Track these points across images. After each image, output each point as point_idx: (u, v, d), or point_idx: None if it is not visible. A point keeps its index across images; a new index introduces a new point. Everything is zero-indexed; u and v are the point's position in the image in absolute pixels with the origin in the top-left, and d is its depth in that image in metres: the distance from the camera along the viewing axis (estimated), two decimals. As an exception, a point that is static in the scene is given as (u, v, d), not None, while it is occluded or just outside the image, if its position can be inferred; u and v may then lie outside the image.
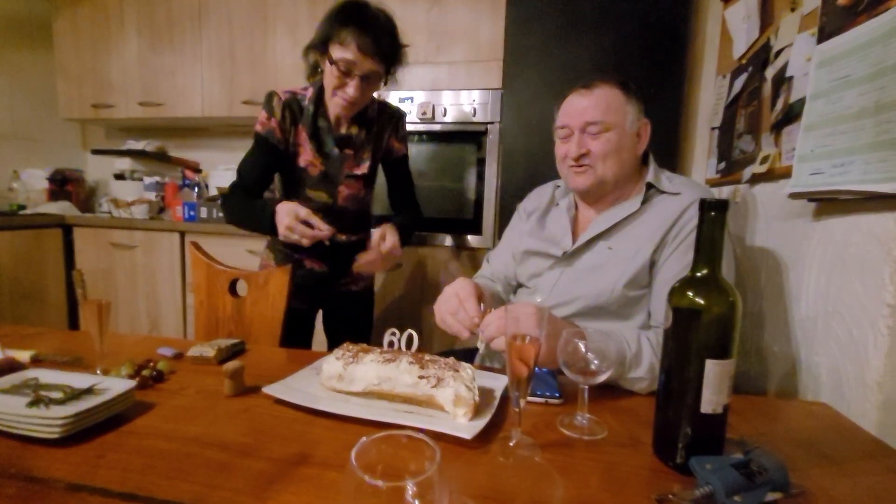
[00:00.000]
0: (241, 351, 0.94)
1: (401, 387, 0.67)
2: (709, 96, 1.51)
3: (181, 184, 2.52)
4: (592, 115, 0.93)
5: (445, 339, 1.95)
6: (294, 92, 1.21)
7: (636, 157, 0.98)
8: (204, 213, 2.20)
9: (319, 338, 1.46)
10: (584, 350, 0.64)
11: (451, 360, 0.71)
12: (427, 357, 0.71)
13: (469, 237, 1.87)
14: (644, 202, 0.95)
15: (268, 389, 0.71)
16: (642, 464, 0.58)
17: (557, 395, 0.73)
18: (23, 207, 2.43)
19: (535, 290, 1.05)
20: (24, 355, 0.81)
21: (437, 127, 1.96)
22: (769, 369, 1.02)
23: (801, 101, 0.90)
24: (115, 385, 0.66)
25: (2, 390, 0.63)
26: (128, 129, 2.86)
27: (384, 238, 1.14)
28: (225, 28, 2.32)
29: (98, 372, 0.76)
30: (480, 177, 1.92)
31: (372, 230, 1.21)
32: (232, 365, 0.73)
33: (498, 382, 0.76)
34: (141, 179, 2.58)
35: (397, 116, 1.32)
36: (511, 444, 0.59)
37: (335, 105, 1.16)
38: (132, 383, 0.66)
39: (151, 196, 2.46)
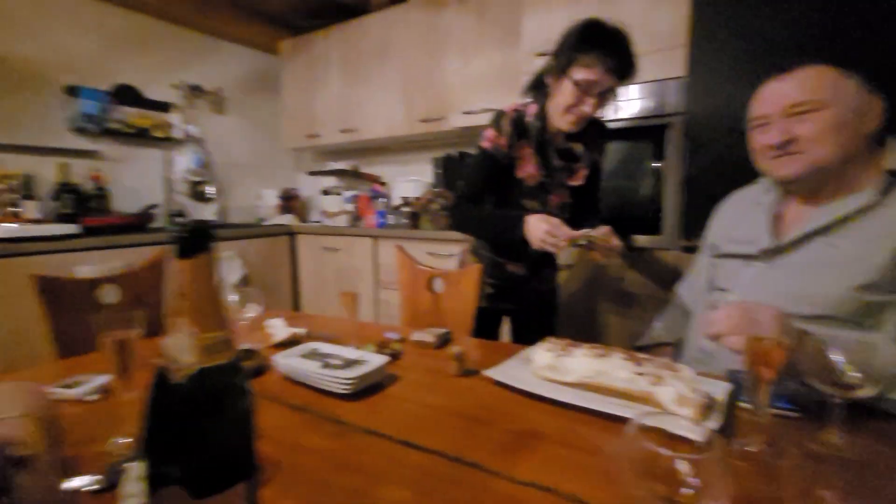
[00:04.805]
0: (449, 340, 1.08)
1: (616, 381, 0.70)
2: None
3: (371, 195, 2.94)
4: (797, 97, 0.82)
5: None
6: (518, 109, 1.28)
7: (864, 137, 0.82)
8: (391, 219, 2.53)
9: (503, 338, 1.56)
10: (837, 360, 0.58)
11: (667, 360, 0.71)
12: (640, 355, 0.72)
13: (646, 237, 1.77)
14: (884, 194, 0.80)
15: (488, 372, 0.81)
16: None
17: (794, 407, 0.67)
18: (263, 220, 3.13)
19: (729, 291, 0.96)
20: (301, 332, 1.07)
21: (610, 125, 1.90)
22: None
23: None
24: (374, 358, 0.83)
25: (302, 355, 0.85)
26: (325, 153, 3.46)
27: (610, 238, 1.18)
28: (403, 57, 2.63)
29: (354, 347, 0.95)
30: (658, 173, 1.80)
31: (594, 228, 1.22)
32: (458, 348, 0.84)
33: (715, 388, 0.73)
34: (340, 194, 3.09)
35: (604, 130, 1.37)
36: (751, 450, 0.57)
37: (565, 121, 1.20)
38: (386, 357, 0.83)
39: (350, 207, 2.92)
